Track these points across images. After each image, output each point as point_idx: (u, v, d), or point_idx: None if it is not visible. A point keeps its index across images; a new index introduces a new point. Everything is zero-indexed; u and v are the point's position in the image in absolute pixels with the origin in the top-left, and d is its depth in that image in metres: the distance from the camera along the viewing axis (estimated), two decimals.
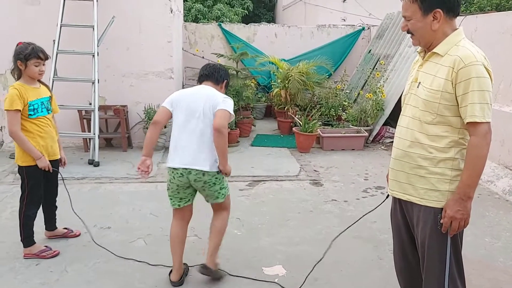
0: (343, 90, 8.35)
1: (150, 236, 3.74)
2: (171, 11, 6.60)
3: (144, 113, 6.47)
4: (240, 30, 9.57)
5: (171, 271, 3.04)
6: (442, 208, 2.07)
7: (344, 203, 4.55)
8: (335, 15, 12.79)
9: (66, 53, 5.97)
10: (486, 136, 1.97)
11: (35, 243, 3.36)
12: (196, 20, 14.37)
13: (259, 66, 8.31)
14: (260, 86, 9.34)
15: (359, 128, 6.97)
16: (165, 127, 6.30)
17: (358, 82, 8.54)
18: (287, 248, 3.55)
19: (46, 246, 3.40)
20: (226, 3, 16.51)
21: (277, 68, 8.23)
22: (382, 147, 6.98)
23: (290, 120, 7.60)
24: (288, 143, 7.03)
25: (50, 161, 3.33)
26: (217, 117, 2.81)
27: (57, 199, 3.63)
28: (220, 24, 9.58)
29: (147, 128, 6.32)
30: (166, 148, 6.47)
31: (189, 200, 2.98)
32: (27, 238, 3.33)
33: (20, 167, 3.28)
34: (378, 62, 8.16)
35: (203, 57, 9.24)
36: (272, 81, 8.77)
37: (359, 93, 8.06)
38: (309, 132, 6.55)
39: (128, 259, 3.33)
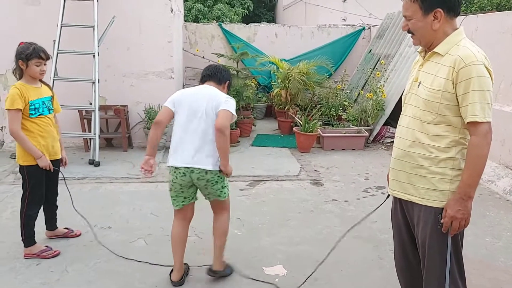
0: (343, 90, 8.35)
1: (151, 236, 3.74)
2: (172, 11, 6.61)
3: (145, 113, 6.47)
4: (241, 30, 9.57)
5: (171, 271, 3.04)
6: (442, 208, 2.06)
7: (344, 203, 4.55)
8: (335, 15, 12.80)
9: (67, 53, 5.97)
10: (487, 136, 1.97)
11: (35, 243, 3.36)
12: (196, 20, 14.37)
13: (260, 66, 8.31)
14: (261, 86, 9.33)
15: (360, 128, 6.97)
16: (165, 126, 6.30)
17: (359, 82, 8.54)
18: (287, 248, 3.55)
19: (46, 246, 3.40)
20: (226, 3, 16.52)
21: (278, 68, 8.23)
22: (383, 147, 6.98)
23: (290, 120, 7.60)
24: (289, 143, 7.03)
25: (51, 160, 3.33)
26: (219, 118, 2.81)
27: (57, 198, 3.63)
28: (221, 24, 9.58)
29: (147, 128, 6.35)
30: (166, 148, 6.47)
31: (192, 198, 2.98)
32: (28, 238, 3.33)
33: (21, 167, 3.29)
34: (379, 62, 8.16)
35: (203, 57, 9.24)
36: (273, 81, 8.77)
37: (359, 93, 8.06)
38: (309, 132, 6.55)
39: (129, 259, 3.33)
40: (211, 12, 15.31)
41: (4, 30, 6.14)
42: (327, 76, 8.49)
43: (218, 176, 2.88)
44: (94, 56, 5.97)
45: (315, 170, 5.67)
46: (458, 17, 2.10)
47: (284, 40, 9.60)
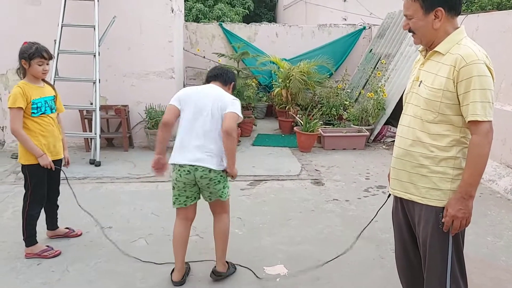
0: (344, 89, 8.34)
1: (152, 235, 3.74)
2: (172, 11, 6.61)
3: (145, 113, 6.47)
4: (241, 30, 9.56)
5: (173, 270, 3.04)
6: (443, 207, 2.06)
7: (345, 203, 4.55)
8: (336, 15, 12.78)
9: (67, 53, 5.97)
10: (488, 135, 1.97)
11: (37, 242, 3.37)
12: (197, 20, 14.38)
13: (260, 66, 8.31)
14: (261, 86, 9.33)
15: (360, 127, 6.96)
16: None
17: (359, 82, 8.53)
18: (288, 248, 3.55)
19: (47, 246, 3.41)
20: (227, 2, 16.52)
21: (278, 68, 8.23)
22: (384, 146, 6.97)
23: (291, 120, 7.59)
24: (289, 142, 7.02)
25: (53, 160, 3.33)
26: (226, 120, 2.82)
27: (58, 198, 3.63)
28: (221, 24, 9.58)
29: (148, 128, 6.36)
30: (167, 148, 6.45)
31: (195, 198, 2.97)
32: (29, 237, 3.33)
33: (23, 166, 3.30)
34: (379, 61, 8.15)
35: (204, 57, 9.24)
36: (273, 80, 8.77)
37: (360, 93, 8.05)
38: (310, 132, 6.55)
39: (133, 257, 3.34)
40: (212, 12, 15.31)
41: (5, 30, 6.14)
42: (328, 76, 8.49)
43: (221, 176, 2.88)
44: (94, 56, 5.97)
45: (316, 170, 5.67)
46: (459, 16, 2.10)
47: (285, 39, 9.59)
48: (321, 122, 7.19)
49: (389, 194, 2.38)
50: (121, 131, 6.48)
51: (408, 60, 7.18)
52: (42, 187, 3.34)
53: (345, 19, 12.59)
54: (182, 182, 2.87)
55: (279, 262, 3.32)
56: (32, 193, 3.30)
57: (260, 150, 6.59)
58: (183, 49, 8.72)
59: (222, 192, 2.92)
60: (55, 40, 5.79)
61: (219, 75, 3.10)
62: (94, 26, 5.99)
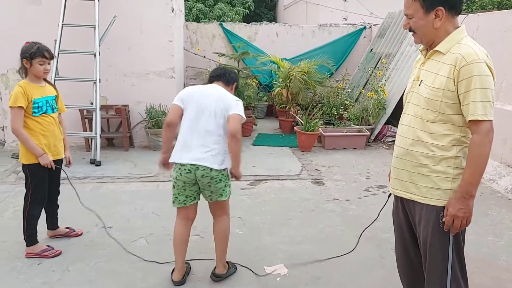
0: (344, 89, 8.34)
1: (152, 235, 3.74)
2: (172, 11, 6.61)
3: (146, 113, 6.47)
4: (241, 30, 9.56)
5: (173, 270, 3.04)
6: (444, 207, 2.06)
7: (346, 202, 4.55)
8: (336, 14, 12.78)
9: (68, 53, 5.97)
10: (488, 134, 1.96)
11: (37, 242, 3.37)
12: (197, 19, 14.38)
13: (261, 65, 8.30)
14: (262, 86, 9.33)
15: (361, 127, 6.96)
16: None
17: (360, 81, 8.52)
18: (288, 247, 3.55)
19: (48, 246, 3.41)
20: (227, 2, 16.52)
21: (279, 67, 8.22)
22: (384, 146, 6.97)
23: (291, 119, 7.59)
24: (290, 142, 7.02)
25: (53, 160, 3.33)
26: (231, 122, 2.83)
27: (58, 198, 3.63)
28: (221, 24, 9.58)
29: (148, 128, 6.36)
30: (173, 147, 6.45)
31: (195, 198, 2.97)
32: (30, 237, 3.34)
33: (23, 165, 3.30)
34: (380, 61, 8.15)
35: (204, 57, 9.24)
36: (274, 80, 8.77)
37: (360, 92, 8.05)
38: (310, 131, 6.54)
39: (136, 256, 3.34)
40: (212, 12, 15.31)
41: (5, 30, 6.15)
42: (328, 75, 8.49)
43: (223, 174, 2.88)
44: (95, 55, 5.97)
45: (316, 169, 5.67)
46: (459, 15, 2.09)
47: (285, 39, 9.59)
48: (322, 121, 7.19)
49: (390, 194, 2.37)
50: (121, 131, 6.48)
51: (409, 60, 7.17)
52: (43, 186, 3.35)
53: (346, 19, 12.58)
54: (182, 181, 2.87)
55: (280, 262, 3.32)
56: (33, 193, 3.30)
57: (260, 150, 6.59)
58: (184, 48, 8.72)
59: (223, 190, 2.92)
60: (55, 40, 5.79)
61: (222, 75, 3.11)
62: (95, 26, 5.99)
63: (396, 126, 2.56)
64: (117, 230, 3.80)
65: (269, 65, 8.42)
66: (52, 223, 3.63)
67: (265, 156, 6.25)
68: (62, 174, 3.55)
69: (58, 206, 3.64)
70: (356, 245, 3.12)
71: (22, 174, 3.39)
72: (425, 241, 2.14)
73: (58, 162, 3.45)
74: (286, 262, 3.31)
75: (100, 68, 5.99)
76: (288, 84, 7.69)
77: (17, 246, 3.43)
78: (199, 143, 2.84)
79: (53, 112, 3.36)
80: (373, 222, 3.04)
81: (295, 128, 6.91)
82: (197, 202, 3.01)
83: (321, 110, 7.53)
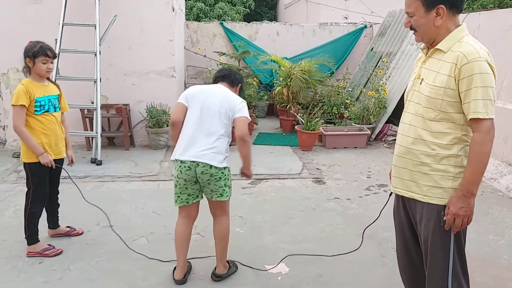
0: (345, 88, 8.33)
1: (153, 234, 3.74)
2: (173, 10, 6.60)
3: (146, 112, 6.47)
4: (242, 29, 9.55)
5: (174, 268, 3.04)
6: (445, 205, 2.06)
7: (347, 201, 4.55)
8: (337, 13, 12.76)
9: (68, 52, 5.97)
10: (489, 133, 1.96)
11: (39, 241, 3.37)
12: (197, 18, 14.37)
13: (261, 65, 8.30)
14: (262, 85, 9.32)
15: (362, 126, 6.96)
16: (166, 125, 6.32)
17: (361, 80, 8.52)
18: (289, 246, 3.55)
19: (49, 245, 3.41)
20: (227, 1, 16.50)
21: (279, 67, 8.22)
22: (385, 145, 6.96)
23: (292, 119, 7.59)
24: (291, 141, 7.02)
25: (54, 159, 3.34)
26: (239, 126, 2.86)
27: (59, 197, 3.63)
28: (222, 23, 9.58)
29: (149, 127, 6.36)
30: (168, 147, 6.47)
31: (197, 196, 2.97)
32: (31, 235, 3.34)
33: (25, 164, 3.31)
34: (381, 60, 8.14)
35: (205, 56, 9.24)
36: (274, 79, 8.76)
37: (361, 91, 8.04)
38: (311, 130, 6.54)
39: (139, 254, 3.34)
40: (213, 11, 15.30)
41: (5, 30, 6.15)
42: (329, 74, 8.48)
43: (223, 173, 2.88)
44: (95, 55, 5.97)
45: (317, 168, 5.67)
46: (460, 14, 2.09)
47: (286, 38, 9.58)
48: (322, 120, 7.19)
49: (391, 193, 2.37)
50: (122, 130, 6.48)
51: (409, 59, 7.17)
52: (44, 185, 3.35)
53: (346, 18, 12.56)
54: (182, 179, 2.87)
55: (281, 261, 3.31)
56: (34, 192, 3.31)
57: (261, 149, 6.58)
58: (184, 48, 8.72)
59: (223, 190, 2.92)
60: (56, 39, 5.79)
61: (227, 76, 3.14)
62: (95, 25, 5.99)
63: (397, 125, 2.56)
64: (118, 229, 3.80)
65: (270, 64, 8.42)
66: (53, 222, 3.63)
67: (265, 155, 6.25)
68: (63, 173, 3.55)
69: (58, 205, 3.64)
70: (361, 244, 3.12)
71: (23, 173, 3.40)
72: (426, 240, 2.14)
73: (59, 161, 3.45)
74: (287, 261, 3.31)
75: (100, 67, 5.99)
76: (288, 83, 7.68)
77: (18, 245, 3.44)
78: (201, 141, 2.85)
79: (55, 111, 3.37)
80: (374, 221, 3.03)
81: (295, 127, 6.91)
82: (199, 201, 3.01)
83: (322, 109, 7.53)
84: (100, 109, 5.94)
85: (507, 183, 4.89)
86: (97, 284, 3.00)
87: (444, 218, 2.04)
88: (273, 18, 19.77)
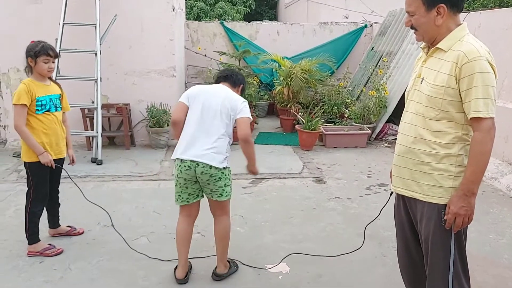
0: (345, 87, 8.33)
1: (153, 234, 3.74)
2: (173, 9, 6.60)
3: (147, 111, 6.47)
4: (242, 28, 9.55)
5: (175, 268, 3.04)
6: (446, 205, 2.05)
7: (347, 201, 4.55)
8: (337, 13, 12.76)
9: (69, 52, 5.97)
10: (490, 132, 1.96)
11: (39, 240, 3.38)
12: (198, 18, 14.38)
13: (262, 64, 8.29)
14: (263, 84, 9.32)
15: (362, 125, 6.95)
16: (167, 125, 6.32)
17: (361, 80, 8.51)
18: (290, 246, 3.55)
19: (49, 244, 3.41)
20: (228, 1, 16.50)
21: (280, 66, 8.22)
22: (385, 144, 6.96)
23: (292, 118, 7.59)
24: (291, 140, 7.02)
25: (55, 159, 3.34)
26: (241, 127, 2.87)
27: (59, 196, 3.63)
28: (222, 22, 9.57)
29: (150, 126, 6.36)
30: (169, 146, 6.47)
31: (197, 195, 2.97)
32: (32, 235, 3.34)
33: (25, 163, 3.32)
34: (381, 59, 8.14)
35: (205, 55, 9.24)
36: (275, 79, 8.76)
37: (362, 91, 8.04)
38: (311, 130, 6.54)
39: (139, 253, 3.34)
40: (213, 10, 15.31)
41: (6, 29, 6.14)
42: (329, 74, 8.47)
43: (222, 173, 2.88)
44: (96, 54, 5.97)
45: (318, 168, 5.67)
46: (461, 14, 2.09)
47: (286, 38, 9.58)
48: (323, 120, 7.19)
49: (392, 192, 2.37)
50: (122, 130, 6.48)
51: (410, 58, 7.16)
52: (44, 185, 3.35)
53: (347, 17, 12.56)
54: (182, 178, 2.88)
55: (281, 260, 3.31)
56: (34, 191, 3.31)
57: (261, 149, 6.58)
58: (184, 47, 8.73)
59: (223, 190, 2.92)
60: (56, 39, 5.79)
61: (229, 76, 3.15)
62: (95, 24, 5.99)
63: (398, 125, 2.56)
64: (118, 228, 3.79)
65: (270, 63, 8.42)
66: (54, 222, 3.64)
67: (266, 154, 6.25)
68: (64, 173, 3.55)
69: (59, 204, 3.64)
70: (363, 243, 3.12)
71: (23, 173, 3.41)
72: (427, 239, 2.14)
73: (60, 161, 3.45)
74: (288, 260, 3.31)
75: (101, 66, 5.99)
76: (289, 83, 7.68)
77: (19, 245, 3.44)
78: (202, 141, 2.85)
79: (56, 110, 3.37)
80: (374, 219, 3.04)
81: (296, 126, 6.91)
82: (199, 200, 3.01)
83: (322, 108, 7.53)
84: (101, 108, 5.94)
85: (507, 183, 4.89)
86: (98, 284, 3.00)
87: (445, 218, 2.04)
88: (274, 17, 19.76)
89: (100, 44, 6.01)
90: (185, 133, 2.92)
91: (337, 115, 7.59)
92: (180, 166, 2.87)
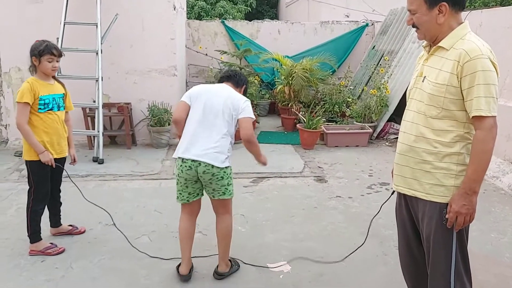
0: (347, 86, 8.32)
1: (155, 232, 3.74)
2: (174, 8, 6.60)
3: (148, 111, 6.48)
4: (243, 27, 9.54)
5: (179, 265, 3.05)
6: (447, 203, 2.05)
7: (348, 200, 4.54)
8: (338, 11, 12.74)
9: (70, 51, 5.96)
10: (492, 130, 1.95)
11: (41, 239, 3.38)
12: (199, 17, 14.37)
13: (263, 63, 8.29)
14: (264, 83, 9.31)
15: (363, 124, 6.95)
16: (168, 124, 6.32)
17: (362, 78, 8.50)
18: (291, 245, 3.55)
19: (51, 243, 3.42)
20: (229, 0, 16.48)
21: (281, 65, 8.21)
22: (387, 143, 6.96)
23: (294, 117, 7.58)
24: (292, 139, 7.02)
25: (56, 158, 3.35)
26: (244, 128, 2.88)
27: (61, 195, 3.63)
28: (223, 21, 9.57)
29: (151, 126, 6.37)
30: (170, 146, 6.47)
31: (197, 194, 2.98)
32: (33, 233, 3.35)
33: (26, 162, 3.32)
34: (382, 58, 8.13)
35: (206, 54, 9.24)
36: (276, 78, 8.75)
37: (363, 89, 8.03)
38: (313, 129, 6.54)
39: (141, 252, 3.34)
40: (214, 10, 15.29)
41: (7, 29, 6.15)
42: (331, 73, 8.46)
43: (224, 172, 2.88)
44: (97, 53, 5.98)
45: (319, 167, 5.66)
46: (463, 12, 2.08)
47: (287, 37, 9.57)
48: (324, 119, 7.18)
49: (393, 191, 2.37)
50: (124, 129, 6.49)
51: (411, 57, 7.15)
52: (45, 184, 3.35)
53: (348, 16, 12.54)
54: (183, 178, 2.88)
55: (283, 259, 3.31)
56: (35, 190, 3.32)
57: (262, 147, 6.39)
58: (185, 46, 8.72)
59: (226, 189, 2.92)
60: (57, 38, 5.79)
61: (232, 77, 3.17)
62: (97, 24, 6.00)
63: (399, 124, 2.55)
64: (119, 227, 3.79)
65: (271, 62, 8.41)
66: (55, 221, 3.64)
67: (267, 153, 6.15)
68: (64, 172, 3.56)
69: (60, 203, 3.65)
70: (365, 240, 3.11)
71: (25, 172, 3.42)
72: (428, 238, 2.13)
73: (61, 160, 3.46)
74: (289, 259, 3.31)
75: (102, 66, 5.99)
76: (290, 82, 7.68)
77: (20, 244, 3.44)
78: (203, 140, 2.85)
79: (59, 110, 3.38)
80: (374, 217, 3.02)
81: (297, 125, 6.91)
82: (200, 198, 3.01)
83: (324, 107, 7.52)
84: (102, 107, 5.94)
85: (509, 181, 4.88)
86: (100, 283, 3.01)
87: (446, 216, 2.04)
88: (275, 16, 19.75)
89: (101, 43, 6.01)
90: (187, 132, 2.92)
91: (338, 114, 7.58)
92: (181, 166, 2.87)
